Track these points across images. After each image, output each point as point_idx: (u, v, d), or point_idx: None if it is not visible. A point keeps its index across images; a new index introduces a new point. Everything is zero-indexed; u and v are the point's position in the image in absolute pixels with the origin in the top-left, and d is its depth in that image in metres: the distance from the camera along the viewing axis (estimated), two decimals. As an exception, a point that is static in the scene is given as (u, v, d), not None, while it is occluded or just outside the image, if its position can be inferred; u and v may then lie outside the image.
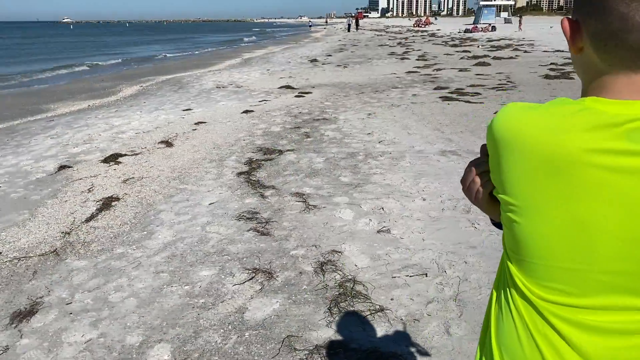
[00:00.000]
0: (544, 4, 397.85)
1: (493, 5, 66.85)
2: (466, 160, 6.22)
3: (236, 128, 8.69)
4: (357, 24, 70.24)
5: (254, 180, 5.82)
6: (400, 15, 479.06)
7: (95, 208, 5.13)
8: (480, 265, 3.66)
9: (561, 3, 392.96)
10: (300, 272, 3.69)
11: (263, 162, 6.57)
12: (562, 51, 22.38)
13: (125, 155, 7.14)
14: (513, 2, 73.52)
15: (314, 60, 22.36)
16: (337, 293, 3.38)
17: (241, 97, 12.41)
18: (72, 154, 7.42)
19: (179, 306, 3.33)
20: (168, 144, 7.69)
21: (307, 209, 4.89)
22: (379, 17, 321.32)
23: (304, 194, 5.29)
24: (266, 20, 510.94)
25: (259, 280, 3.59)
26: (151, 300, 3.41)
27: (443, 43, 31.97)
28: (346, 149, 7.04)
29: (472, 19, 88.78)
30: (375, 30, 64.89)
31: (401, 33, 50.82)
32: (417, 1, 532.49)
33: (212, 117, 9.81)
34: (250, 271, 3.72)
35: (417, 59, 21.28)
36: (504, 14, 67.00)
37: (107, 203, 5.23)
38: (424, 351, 2.77)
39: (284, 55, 27.00)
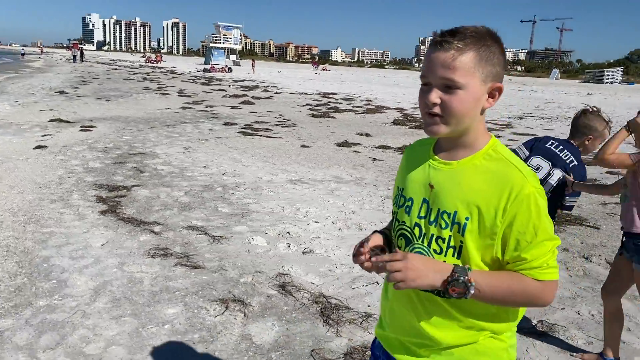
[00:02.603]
0: (258, 49, 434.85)
1: (222, 48, 70.55)
2: (315, 188, 6.97)
3: (46, 165, 7.71)
4: (82, 56, 66.14)
5: (127, 218, 5.46)
6: (118, 49, 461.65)
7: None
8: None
9: (272, 50, 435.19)
10: (269, 296, 3.82)
11: (117, 198, 6.13)
12: (306, 93, 25.35)
13: None
14: (241, 47, 78.80)
15: (62, 92, 20.43)
16: (320, 308, 3.66)
17: (12, 131, 10.81)
18: None
19: (177, 344, 3.16)
20: (-26, 184, 6.43)
21: (215, 240, 4.90)
22: (94, 50, 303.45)
23: (198, 227, 5.24)
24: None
25: (237, 309, 3.60)
26: (141, 344, 3.13)
27: (191, 80, 32.61)
28: (197, 182, 7.04)
29: (193, 58, 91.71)
30: (103, 63, 61.69)
31: (137, 68, 49.59)
32: (135, 36, 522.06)
33: (9, 152, 8.42)
34: (219, 302, 3.68)
35: (180, 95, 21.43)
36: (233, 57, 71.26)
37: (-35, 255, 4.28)
38: None
39: (18, 85, 23.83)
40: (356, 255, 1.38)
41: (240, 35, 76.84)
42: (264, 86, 29.98)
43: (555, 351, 3.22)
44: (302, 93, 25.67)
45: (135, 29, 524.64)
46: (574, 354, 3.18)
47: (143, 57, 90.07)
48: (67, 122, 12.35)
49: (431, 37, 1.30)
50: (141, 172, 7.50)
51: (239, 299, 3.73)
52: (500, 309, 1.32)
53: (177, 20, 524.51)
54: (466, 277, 1.21)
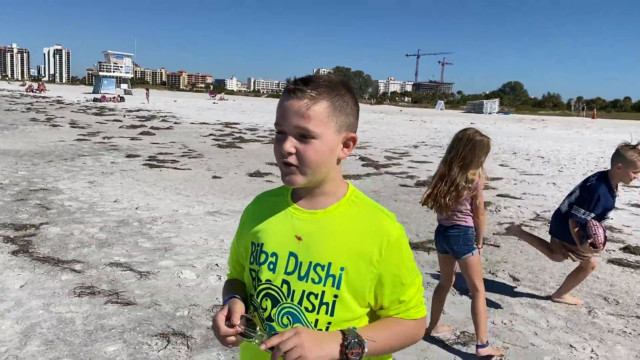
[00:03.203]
0: (149, 78, 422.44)
1: (113, 77, 67.91)
2: (236, 219, 7.06)
3: None
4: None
5: (43, 257, 5.20)
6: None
7: None
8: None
9: (164, 79, 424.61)
10: (209, 328, 3.87)
11: (26, 237, 5.81)
12: (208, 123, 25.18)
13: None
14: (132, 76, 76.28)
15: None
16: (261, 335, 3.77)
17: None
18: None
19: (125, 383, 3.12)
20: None
21: (142, 276, 4.83)
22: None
23: (121, 263, 5.13)
24: None
25: (179, 342, 3.62)
26: (86, 386, 3.06)
27: (82, 110, 31.06)
28: (110, 218, 6.84)
29: (79, 87, 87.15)
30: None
31: (19, 97, 46.23)
32: (12, 64, 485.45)
33: None
34: (159, 336, 3.67)
35: (72, 126, 20.38)
36: (124, 86, 68.78)
37: None
38: None
39: None
40: (222, 334, 1.24)
41: (132, 64, 74.44)
42: (162, 116, 29.31)
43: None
44: (204, 123, 25.45)
45: (12, 56, 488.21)
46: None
47: (23, 85, 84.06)
48: (-51, 156, 11.34)
49: (285, 85, 1.28)
50: (47, 209, 7.13)
51: (180, 332, 3.74)
52: None
53: (59, 47, 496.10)
54: (358, 337, 1.18)
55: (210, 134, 19.82)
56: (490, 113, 71.73)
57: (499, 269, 5.43)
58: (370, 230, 1.25)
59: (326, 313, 1.25)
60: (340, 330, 1.21)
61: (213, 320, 1.27)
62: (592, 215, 4.05)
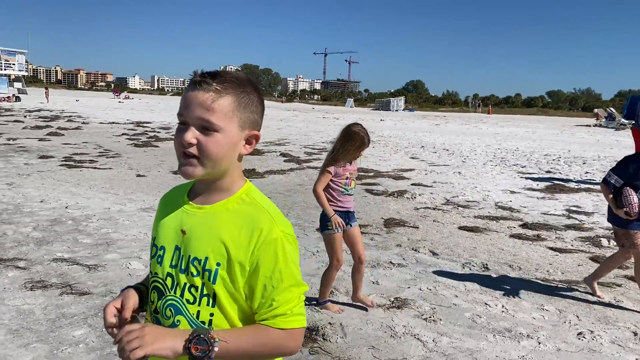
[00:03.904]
0: (42, 76, 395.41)
1: (4, 75, 63.14)
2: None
3: None
4: None
5: (-20, 257, 5.17)
6: None
7: None
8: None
9: (59, 77, 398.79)
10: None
11: (-45, 239, 5.69)
12: (118, 123, 24.42)
13: None
14: (26, 73, 71.26)
15: None
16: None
17: None
18: None
19: (101, 358, 3.36)
20: None
21: (91, 269, 4.95)
22: None
23: (66, 259, 5.21)
24: None
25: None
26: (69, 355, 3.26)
27: (-26, 111, 28.85)
28: (41, 217, 6.77)
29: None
30: None
31: None
32: None
33: None
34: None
35: (-31, 128, 19.05)
36: (18, 84, 64.13)
37: None
38: None
39: None
40: (107, 326, 1.26)
41: (26, 62, 69.58)
42: (66, 116, 27.96)
43: (410, 316, 4.17)
44: (113, 122, 24.65)
45: None
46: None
47: None
48: None
49: (190, 75, 1.28)
50: (-31, 211, 6.91)
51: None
52: None
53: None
54: (208, 335, 1.17)
55: (123, 134, 19.35)
56: (397, 110, 74.84)
57: (420, 246, 6.10)
58: (248, 228, 1.24)
59: (207, 305, 1.25)
60: (194, 328, 1.21)
61: (104, 310, 1.28)
62: (621, 182, 4.23)
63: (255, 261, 1.22)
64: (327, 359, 3.48)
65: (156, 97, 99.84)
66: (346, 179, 4.13)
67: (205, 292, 1.25)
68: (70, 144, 15.51)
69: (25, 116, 26.52)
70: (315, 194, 4.11)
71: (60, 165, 11.28)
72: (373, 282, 4.92)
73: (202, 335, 1.16)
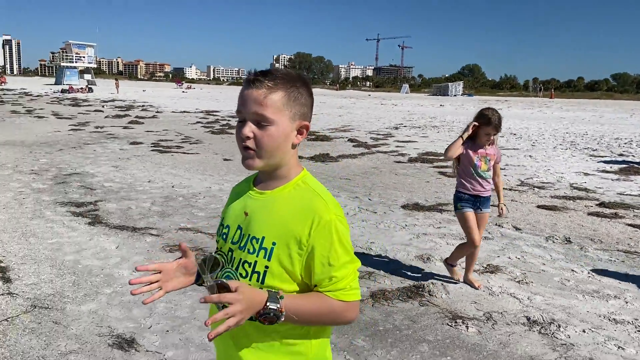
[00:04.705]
0: (105, 67, 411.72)
1: (74, 67, 66.68)
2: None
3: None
4: None
5: (118, 226, 6.01)
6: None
7: None
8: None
9: (120, 68, 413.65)
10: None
11: (91, 212, 6.57)
12: (188, 112, 25.67)
13: None
14: (95, 66, 74.93)
15: None
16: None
17: None
18: None
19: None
20: None
21: (213, 237, 5.71)
22: None
23: (190, 228, 5.98)
24: None
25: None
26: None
27: (55, 102, 30.94)
28: (154, 194, 7.63)
29: (34, 79, 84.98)
30: None
31: (-19, 90, 45.22)
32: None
33: None
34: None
35: (58, 118, 20.66)
36: (87, 76, 67.60)
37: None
38: None
39: None
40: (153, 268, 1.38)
41: (94, 54, 73.13)
42: (139, 106, 29.56)
43: (504, 279, 4.66)
44: (185, 111, 25.93)
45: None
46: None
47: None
48: (-41, 148, 11.77)
49: (246, 76, 1.39)
50: (92, 190, 7.87)
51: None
52: (315, 331, 1.42)
53: (9, 37, 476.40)
54: (277, 308, 1.27)
55: (197, 122, 20.44)
56: (455, 95, 73.93)
57: (502, 222, 6.53)
58: (303, 212, 1.34)
59: (257, 281, 1.36)
60: (268, 292, 1.29)
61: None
62: None
63: (312, 243, 1.32)
64: (436, 310, 4.03)
65: (215, 87, 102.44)
66: (478, 159, 4.23)
67: (257, 269, 1.36)
68: (152, 131, 16.64)
69: (102, 106, 28.24)
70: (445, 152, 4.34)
71: (152, 150, 12.28)
72: (464, 251, 5.42)
73: (272, 312, 1.26)
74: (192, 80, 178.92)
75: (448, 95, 73.45)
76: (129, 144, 13.30)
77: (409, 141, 15.21)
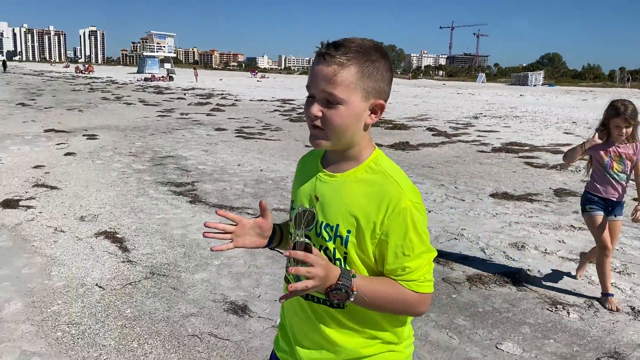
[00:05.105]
0: (181, 57, 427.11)
1: (156, 57, 69.75)
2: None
3: (94, 168, 8.39)
4: (4, 66, 63.94)
5: (217, 205, 6.38)
6: (31, 59, 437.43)
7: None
8: (472, 229, 5.63)
9: (196, 58, 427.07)
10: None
11: (190, 192, 7.00)
12: (265, 100, 26.31)
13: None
14: (175, 55, 78.05)
15: (23, 104, 20.26)
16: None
17: (20, 141, 11.15)
18: None
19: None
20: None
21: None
22: (2, 60, 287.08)
23: (282, 209, 6.26)
24: None
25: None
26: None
27: (140, 90, 32.60)
28: (245, 177, 7.99)
29: (117, 67, 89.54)
30: (28, 74, 59.10)
31: (73, 79, 48.36)
32: (49, 46, 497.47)
33: (47, 159, 8.95)
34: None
35: (145, 104, 21.79)
36: (167, 65, 70.54)
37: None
38: None
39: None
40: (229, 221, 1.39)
41: (174, 44, 76.18)
42: (218, 94, 30.60)
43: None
44: (261, 100, 26.61)
45: (49, 38, 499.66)
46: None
47: (66, 67, 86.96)
48: (63, 131, 12.73)
49: (317, 47, 1.27)
50: (187, 171, 8.35)
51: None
52: (392, 320, 1.37)
53: (94, 28, 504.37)
54: (349, 285, 1.22)
55: (275, 110, 20.94)
56: (535, 85, 71.07)
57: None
58: (377, 198, 1.26)
59: (341, 267, 1.29)
60: (342, 269, 1.24)
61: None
62: None
63: (386, 230, 1.25)
64: (535, 295, 4.05)
65: (287, 77, 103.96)
66: (609, 159, 3.78)
67: (337, 255, 1.31)
68: (234, 118, 17.24)
69: (184, 94, 29.49)
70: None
71: (236, 136, 12.78)
72: (559, 241, 5.34)
73: (343, 289, 1.22)
74: (264, 70, 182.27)
75: (527, 85, 70.69)
76: (214, 130, 13.88)
77: (491, 131, 14.90)
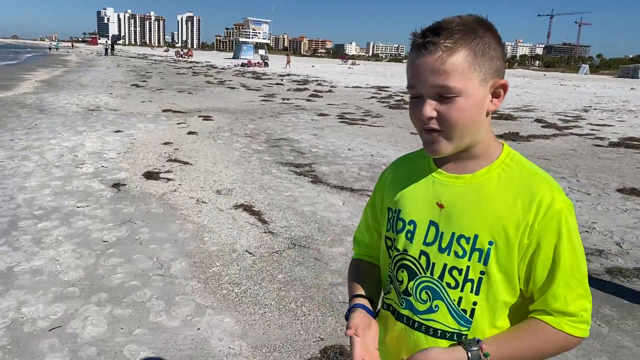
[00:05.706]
0: (272, 43, 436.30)
1: (251, 43, 71.80)
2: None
3: (217, 147, 8.95)
4: (112, 50, 68.82)
5: (338, 186, 6.64)
6: (132, 43, 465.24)
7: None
8: (602, 223, 5.49)
9: (286, 44, 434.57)
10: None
11: (309, 173, 7.31)
12: (360, 87, 26.44)
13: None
14: (269, 41, 79.96)
15: (137, 85, 21.73)
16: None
17: (144, 119, 12.07)
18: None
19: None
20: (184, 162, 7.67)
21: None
22: (110, 44, 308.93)
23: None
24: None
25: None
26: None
27: (239, 75, 33.86)
28: (357, 161, 8.21)
29: (212, 52, 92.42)
30: (134, 57, 62.92)
31: (175, 62, 51.00)
32: (150, 30, 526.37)
33: (173, 137, 9.68)
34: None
35: (247, 89, 22.65)
36: (261, 51, 72.46)
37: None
38: None
39: (87, 78, 25.19)
40: None
41: (269, 30, 78.00)
42: (313, 80, 31.14)
43: None
44: (356, 87, 26.80)
45: (150, 23, 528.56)
46: None
47: (166, 51, 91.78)
48: (180, 112, 13.60)
49: (410, 39, 1.10)
50: (302, 153, 8.70)
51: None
52: None
53: (191, 14, 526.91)
54: (479, 352, 1.08)
55: (372, 97, 21.04)
56: (646, 78, 65.98)
57: None
58: (525, 198, 1.07)
59: (471, 291, 1.11)
60: (462, 343, 1.10)
61: (351, 345, 1.15)
62: None
63: (536, 238, 1.06)
64: None
65: (377, 64, 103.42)
66: None
67: (470, 276, 1.10)
68: (333, 104, 17.55)
69: (282, 80, 30.29)
70: None
71: (340, 122, 13.04)
72: (701, 241, 5.10)
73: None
74: (352, 57, 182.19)
75: (638, 77, 65.69)
76: (317, 115, 14.23)
77: (604, 125, 14.13)
